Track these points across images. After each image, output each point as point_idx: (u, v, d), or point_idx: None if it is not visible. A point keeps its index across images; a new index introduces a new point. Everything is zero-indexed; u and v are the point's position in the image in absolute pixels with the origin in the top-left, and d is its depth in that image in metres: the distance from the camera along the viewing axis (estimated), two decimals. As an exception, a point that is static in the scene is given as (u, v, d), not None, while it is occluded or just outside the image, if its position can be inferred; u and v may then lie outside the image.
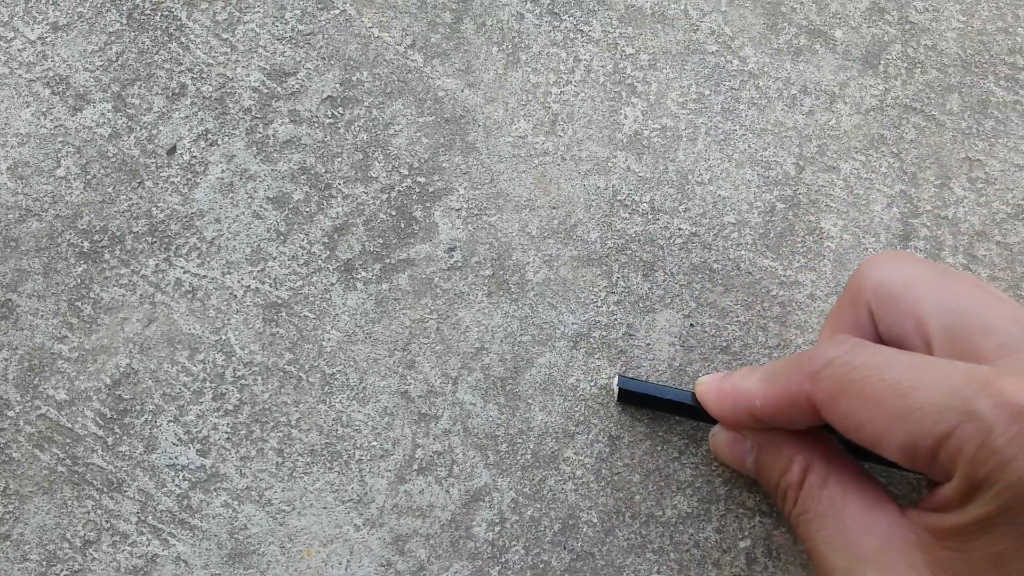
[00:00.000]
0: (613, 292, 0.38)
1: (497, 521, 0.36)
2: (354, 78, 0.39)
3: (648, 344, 0.37)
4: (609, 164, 0.39)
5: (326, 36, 0.40)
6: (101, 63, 0.39)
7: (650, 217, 0.38)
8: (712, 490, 0.36)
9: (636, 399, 0.36)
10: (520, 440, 0.37)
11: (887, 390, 0.24)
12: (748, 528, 0.36)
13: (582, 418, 0.37)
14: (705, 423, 0.36)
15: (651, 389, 0.35)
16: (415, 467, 0.36)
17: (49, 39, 0.39)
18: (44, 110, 0.38)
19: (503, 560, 0.36)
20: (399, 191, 0.38)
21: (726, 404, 0.31)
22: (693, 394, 0.34)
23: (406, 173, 0.39)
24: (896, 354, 0.26)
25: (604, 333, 0.37)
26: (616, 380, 0.36)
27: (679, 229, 0.38)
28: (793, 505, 0.30)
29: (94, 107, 0.38)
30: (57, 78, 0.39)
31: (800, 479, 0.29)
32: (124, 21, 0.39)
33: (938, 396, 0.23)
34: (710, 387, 0.33)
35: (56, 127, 0.38)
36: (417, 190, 0.38)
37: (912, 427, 0.24)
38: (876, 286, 0.28)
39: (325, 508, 0.36)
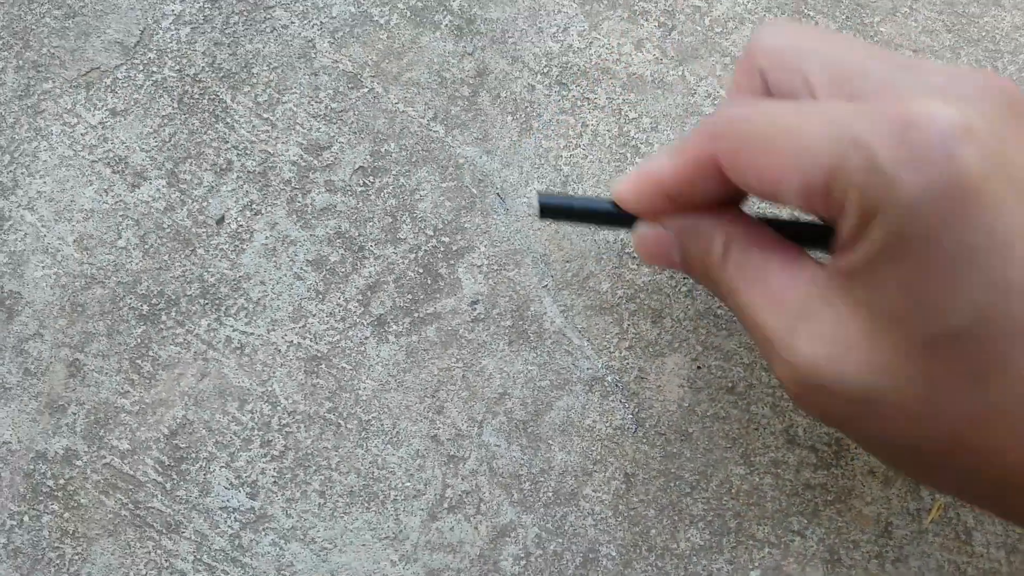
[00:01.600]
0: (624, 338, 0.41)
1: (522, 555, 0.38)
2: (383, 149, 0.43)
3: (659, 386, 0.40)
4: (617, 220, 0.42)
5: (356, 112, 0.43)
6: (156, 143, 0.43)
7: (656, 268, 0.41)
8: (723, 523, 0.39)
9: (557, 213, 0.35)
10: (542, 479, 0.39)
11: (779, 133, 0.25)
12: (758, 559, 0.38)
13: (599, 457, 0.39)
14: (626, 227, 0.35)
15: (570, 201, 0.35)
16: (445, 506, 0.39)
17: (109, 123, 0.43)
18: (106, 187, 0.42)
19: (529, 591, 0.38)
20: (425, 251, 0.42)
21: (640, 190, 0.31)
22: (612, 201, 0.34)
23: (431, 234, 0.42)
24: (787, 103, 0.27)
25: (617, 377, 0.40)
26: (535, 197, 0.35)
27: (684, 278, 0.41)
28: (719, 283, 0.30)
29: (150, 183, 0.42)
30: (116, 158, 0.43)
31: (723, 254, 0.29)
32: (175, 105, 0.43)
33: (824, 129, 0.23)
34: (625, 183, 0.32)
35: (117, 202, 0.42)
36: (442, 249, 0.42)
37: (804, 165, 0.24)
38: (766, 50, 0.28)
39: (364, 545, 0.38)
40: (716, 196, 0.30)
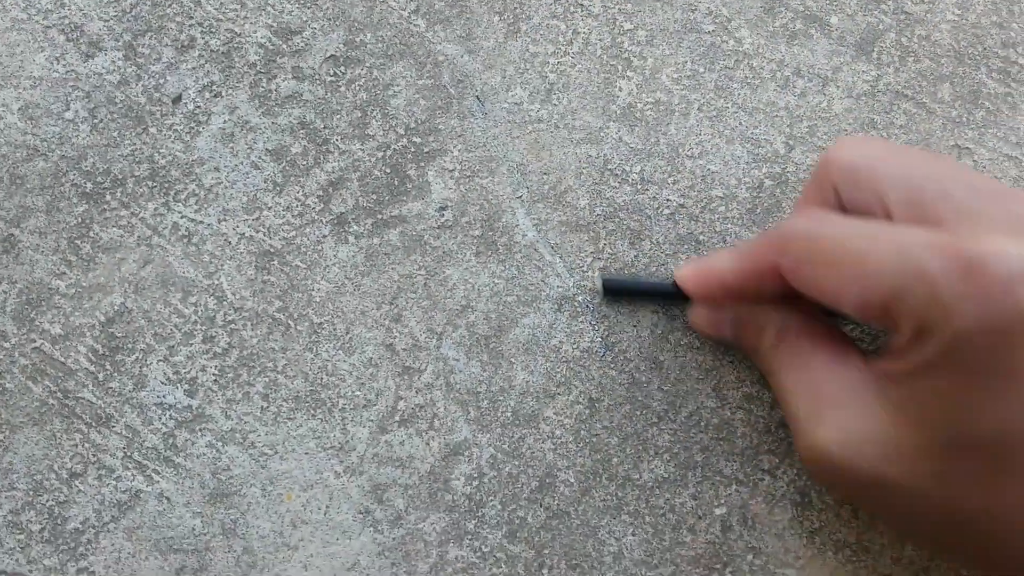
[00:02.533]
0: (599, 258, 0.38)
1: (475, 476, 0.36)
2: (358, 39, 0.40)
3: (631, 310, 0.38)
4: (601, 134, 0.39)
5: (333, -2, 0.40)
6: (115, 13, 0.40)
7: (639, 187, 0.39)
8: (689, 456, 0.37)
9: (620, 292, 0.37)
10: (501, 398, 0.37)
11: (846, 256, 0.26)
12: (724, 496, 0.36)
13: (563, 379, 0.37)
14: (685, 304, 0.37)
15: (634, 282, 0.37)
16: (397, 418, 0.37)
17: (64, -12, 0.40)
18: (58, 55, 0.39)
19: (480, 514, 0.36)
20: (395, 150, 0.39)
21: (704, 285, 0.33)
22: (673, 281, 0.35)
23: (402, 133, 0.39)
24: (856, 223, 0.28)
25: (588, 298, 0.38)
26: (599, 277, 0.37)
27: (667, 200, 0.39)
28: (766, 364, 0.32)
29: (105, 55, 0.39)
30: (72, 25, 0.39)
31: (775, 342, 0.31)
32: (138, -25, 0.40)
33: (891, 257, 0.25)
34: (688, 270, 0.34)
35: (68, 72, 0.39)
36: (412, 150, 0.39)
37: (866, 287, 0.25)
38: (840, 166, 0.29)
39: (307, 454, 0.36)
40: (775, 294, 0.31)
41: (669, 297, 0.37)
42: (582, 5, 0.41)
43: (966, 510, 0.25)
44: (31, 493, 0.35)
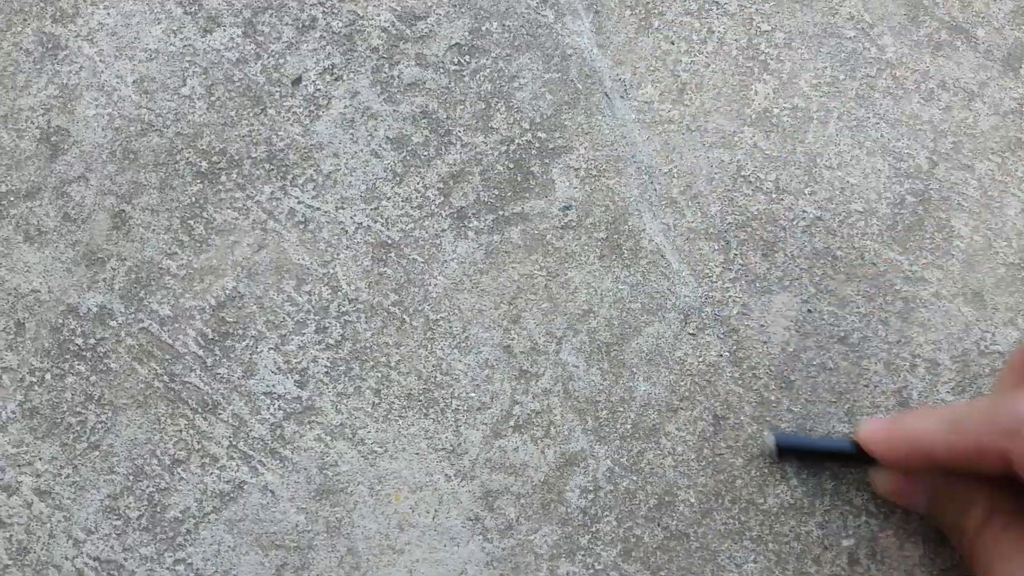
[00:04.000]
0: (729, 268, 0.36)
1: (591, 488, 0.35)
2: (483, 28, 0.39)
3: (762, 326, 0.36)
4: (735, 139, 0.38)
5: (460, -16, 0.39)
6: (235, -11, 0.39)
7: (774, 196, 0.37)
8: (819, 483, 0.35)
9: (794, 452, 0.34)
10: (621, 409, 0.35)
11: None
12: (853, 527, 0.34)
13: (687, 393, 0.35)
14: (867, 466, 0.33)
15: (810, 441, 0.34)
16: (512, 423, 0.35)
17: (187, -39, 0.39)
18: (175, 28, 0.38)
19: (594, 529, 0.34)
20: (519, 144, 0.37)
21: (899, 451, 0.30)
22: (854, 442, 0.32)
23: (527, 127, 0.38)
24: None
25: (717, 309, 0.36)
26: (770, 436, 0.34)
27: (803, 211, 0.37)
28: (972, 546, 0.29)
29: (224, 31, 0.38)
30: None
31: (982, 522, 0.28)
32: (262, -50, 0.39)
33: None
34: (878, 433, 0.31)
35: (185, 46, 0.38)
36: (537, 145, 0.37)
37: None
38: None
39: (418, 454, 0.35)
40: (990, 474, 0.28)
41: (850, 459, 0.33)
42: (718, 3, 0.39)
43: None
44: (131, 478, 0.34)
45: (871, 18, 0.39)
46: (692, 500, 0.35)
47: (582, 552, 0.34)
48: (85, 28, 0.38)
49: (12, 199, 0.37)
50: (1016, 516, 0.28)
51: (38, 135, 0.37)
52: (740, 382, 0.36)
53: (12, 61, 0.38)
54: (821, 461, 0.34)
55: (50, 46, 0.38)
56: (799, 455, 0.34)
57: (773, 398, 0.35)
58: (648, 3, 0.39)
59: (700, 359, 0.36)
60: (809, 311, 0.36)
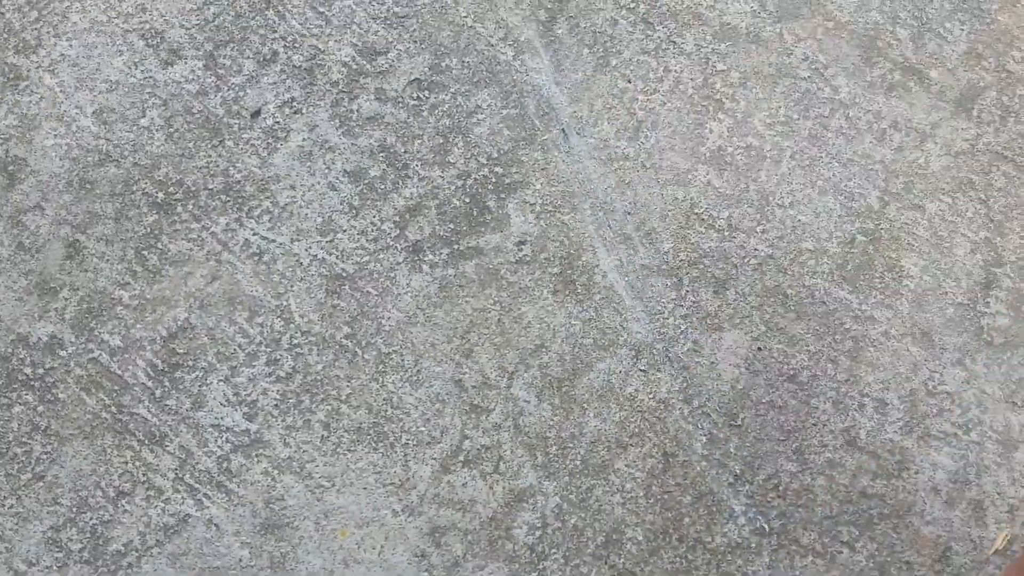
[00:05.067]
0: (681, 305, 0.37)
1: (539, 525, 0.34)
2: (443, 64, 0.39)
3: (713, 363, 0.36)
4: (689, 176, 0.38)
5: (420, 20, 0.39)
6: (197, 22, 0.39)
7: (726, 234, 0.37)
8: (767, 523, 0.35)
9: None
10: (571, 444, 0.35)
11: None
12: (800, 566, 0.34)
13: (637, 430, 0.35)
14: None
15: None
16: (461, 458, 0.35)
17: (150, -6, 0.39)
18: (137, 60, 0.38)
19: (541, 567, 0.34)
20: (475, 179, 0.38)
21: None
22: None
23: (484, 162, 0.38)
24: None
25: (668, 346, 0.36)
26: None
27: (755, 250, 0.37)
28: None
29: (185, 63, 0.38)
30: (153, 31, 0.39)
31: None
32: (225, -16, 0.39)
33: None
34: None
35: (146, 78, 0.38)
36: (493, 180, 0.38)
37: None
38: None
39: (365, 489, 0.34)
40: None
41: None
42: (675, 42, 0.40)
43: None
44: (75, 509, 0.34)
45: (825, 59, 0.40)
46: (640, 538, 0.34)
47: (529, 589, 0.34)
48: (47, 59, 0.38)
49: (-33, 227, 0.37)
50: None
51: (-5, 164, 0.37)
52: (690, 419, 0.36)
53: (-27, 90, 0.38)
54: None
55: (11, 76, 0.38)
56: None
57: (722, 436, 0.35)
58: (606, 42, 0.40)
59: (651, 395, 0.36)
60: (759, 349, 0.36)
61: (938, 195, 0.38)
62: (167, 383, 0.35)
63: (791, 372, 0.36)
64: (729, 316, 0.37)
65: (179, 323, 0.35)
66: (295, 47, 0.39)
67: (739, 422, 0.36)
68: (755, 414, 0.36)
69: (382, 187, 0.37)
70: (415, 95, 0.38)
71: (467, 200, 0.37)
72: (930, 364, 0.36)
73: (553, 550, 0.34)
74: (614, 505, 0.35)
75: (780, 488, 0.35)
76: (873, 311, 0.37)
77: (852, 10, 0.40)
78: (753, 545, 0.34)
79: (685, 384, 0.36)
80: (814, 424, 0.36)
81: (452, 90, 0.39)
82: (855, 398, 0.36)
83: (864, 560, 0.34)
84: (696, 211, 0.38)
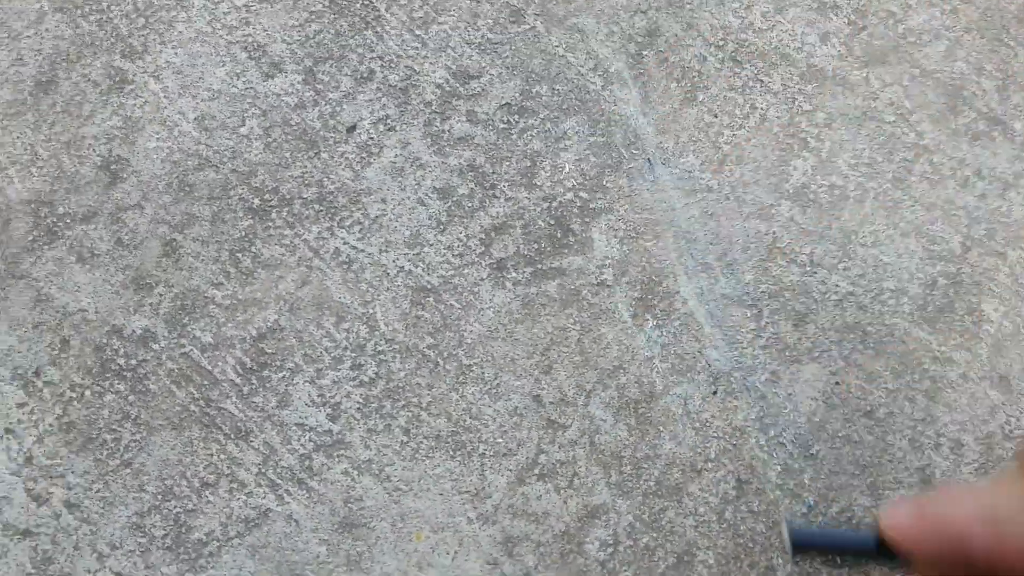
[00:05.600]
0: (760, 336, 0.43)
1: (611, 542, 0.40)
2: (534, 90, 0.47)
3: (790, 394, 0.42)
4: (772, 211, 0.45)
5: (513, 47, 0.47)
6: (299, 38, 0.47)
7: (808, 269, 0.44)
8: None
9: (810, 546, 0.38)
10: (645, 465, 0.41)
11: None
12: (870, 600, 0.40)
13: (712, 455, 0.42)
14: (892, 566, 0.37)
15: (826, 535, 0.37)
16: (536, 471, 0.41)
17: (254, 8, 0.47)
18: (239, 71, 0.46)
19: (611, 583, 0.40)
20: (561, 202, 0.45)
21: (927, 544, 0.28)
22: (878, 535, 0.35)
23: (570, 187, 0.45)
24: None
25: (745, 375, 0.43)
26: (785, 528, 0.38)
27: (836, 286, 0.44)
28: None
29: (285, 76, 0.46)
30: (255, 44, 0.47)
31: None
32: (327, 3, 0.48)
33: None
34: (903, 521, 0.29)
35: (247, 89, 0.46)
36: (578, 204, 0.45)
37: None
38: None
39: (441, 495, 0.41)
40: None
41: (871, 555, 0.34)
42: (762, 81, 0.47)
43: None
44: (160, 497, 0.41)
45: (911, 105, 0.47)
46: (711, 561, 0.40)
47: (598, 606, 0.40)
48: (152, 65, 0.46)
49: (69, 221, 0.44)
50: None
51: (99, 162, 0.45)
52: (765, 448, 0.42)
53: (80, 91, 0.46)
54: (840, 554, 0.38)
55: (117, 79, 0.46)
56: (816, 547, 0.38)
57: (797, 466, 0.41)
58: (694, 77, 0.47)
59: (727, 422, 0.42)
60: (837, 383, 0.43)
61: (1020, 243, 0.45)
62: (255, 381, 0.42)
63: (868, 408, 0.42)
64: (808, 349, 0.43)
65: (269, 324, 0.42)
66: (391, 67, 0.47)
67: (814, 453, 0.42)
68: (830, 447, 0.42)
69: (469, 205, 0.44)
70: (505, 119, 0.46)
71: (552, 222, 0.44)
72: (1008, 408, 0.42)
73: (624, 568, 0.40)
74: (686, 528, 0.41)
75: (853, 521, 0.41)
76: (952, 353, 0.43)
77: (939, 59, 0.48)
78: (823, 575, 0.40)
79: (762, 413, 0.42)
80: (889, 460, 0.42)
81: (541, 115, 0.46)
82: (931, 437, 0.42)
83: (936, 600, 0.40)
84: (778, 245, 0.44)
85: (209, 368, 0.43)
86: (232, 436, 0.42)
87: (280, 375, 0.43)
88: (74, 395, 0.42)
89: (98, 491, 0.41)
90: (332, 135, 0.46)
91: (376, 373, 0.43)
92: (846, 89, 0.48)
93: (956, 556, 0.27)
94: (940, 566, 0.28)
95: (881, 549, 0.31)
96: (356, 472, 0.42)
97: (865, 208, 0.46)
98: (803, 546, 0.35)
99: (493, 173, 0.46)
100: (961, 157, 0.47)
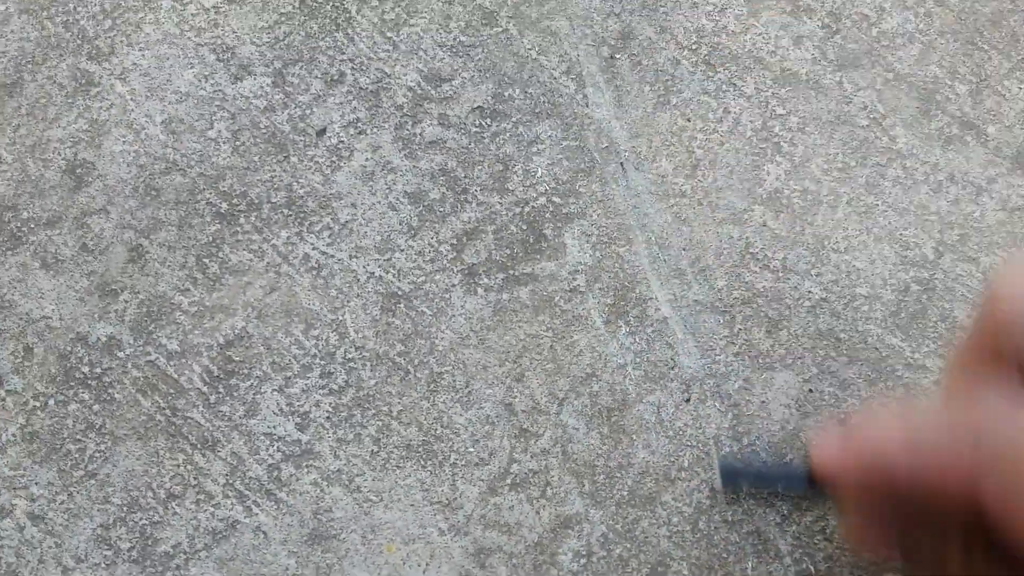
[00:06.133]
0: (733, 343, 0.42)
1: (584, 553, 0.39)
2: (506, 93, 0.45)
3: (763, 402, 0.41)
4: (745, 216, 0.43)
5: (486, 50, 0.45)
6: (268, 40, 0.45)
7: (780, 275, 0.43)
8: (813, 565, 0.39)
9: (741, 478, 0.38)
10: (619, 474, 0.40)
11: None
12: (843, 608, 0.39)
13: (686, 464, 0.40)
14: (823, 499, 0.37)
15: (757, 468, 0.39)
16: (508, 481, 0.40)
17: (223, 9, 0.45)
18: (207, 74, 0.44)
19: (583, 594, 0.38)
20: (533, 207, 0.43)
21: (856, 472, 0.28)
22: (808, 473, 0.34)
23: (543, 191, 0.43)
24: None
25: (719, 382, 0.41)
26: (717, 459, 0.38)
27: (809, 292, 0.42)
28: None
29: (255, 79, 0.44)
30: (224, 46, 0.45)
31: (965, 556, 0.27)
32: (296, 4, 0.46)
33: None
34: (830, 449, 0.30)
35: (215, 91, 0.44)
36: (551, 209, 0.43)
37: None
38: (1020, 309, 0.25)
39: (412, 506, 0.39)
40: (955, 507, 0.27)
41: (803, 488, 0.34)
42: (735, 85, 0.46)
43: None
44: (125, 509, 0.39)
45: (884, 109, 0.46)
46: (685, 572, 0.39)
47: (571, 617, 0.38)
48: (119, 67, 0.44)
49: (32, 226, 0.42)
50: (994, 546, 0.26)
51: (64, 166, 0.43)
52: (738, 457, 0.40)
53: (45, 94, 0.44)
54: (771, 488, 0.38)
55: (83, 82, 0.44)
56: (747, 480, 0.38)
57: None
58: (667, 80, 0.45)
59: (700, 431, 0.41)
60: (810, 391, 0.41)
61: (992, 249, 0.44)
62: (222, 389, 0.40)
63: (842, 416, 0.41)
64: (781, 356, 0.41)
65: (236, 331, 0.40)
66: (362, 69, 0.45)
67: (788, 462, 0.40)
68: (805, 456, 0.40)
69: (441, 210, 0.42)
70: (477, 122, 0.44)
71: (524, 227, 0.43)
72: (980, 414, 0.41)
73: (596, 579, 0.38)
74: (660, 537, 0.39)
75: (827, 531, 0.40)
76: (925, 360, 0.42)
77: (912, 62, 0.46)
78: (797, 585, 0.39)
79: (735, 421, 0.41)
80: (862, 468, 0.40)
81: (514, 119, 0.44)
82: None
83: (909, 607, 0.39)
84: (751, 251, 0.43)
85: (175, 376, 0.41)
86: (199, 446, 0.40)
87: (248, 383, 0.41)
88: (38, 404, 0.40)
89: (62, 503, 0.39)
90: (302, 138, 0.44)
91: (346, 381, 0.41)
92: (819, 93, 0.46)
93: (881, 485, 0.27)
94: (867, 500, 0.28)
95: (811, 483, 0.32)
96: (325, 483, 0.40)
97: (838, 213, 0.44)
98: (732, 479, 0.36)
99: (465, 177, 0.44)
100: (934, 162, 0.45)
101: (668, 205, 0.44)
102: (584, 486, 0.40)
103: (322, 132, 0.44)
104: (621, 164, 0.44)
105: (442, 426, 0.40)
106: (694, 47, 0.46)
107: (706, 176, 0.44)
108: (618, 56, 0.46)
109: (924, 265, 0.44)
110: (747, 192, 0.44)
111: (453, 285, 0.42)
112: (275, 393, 0.40)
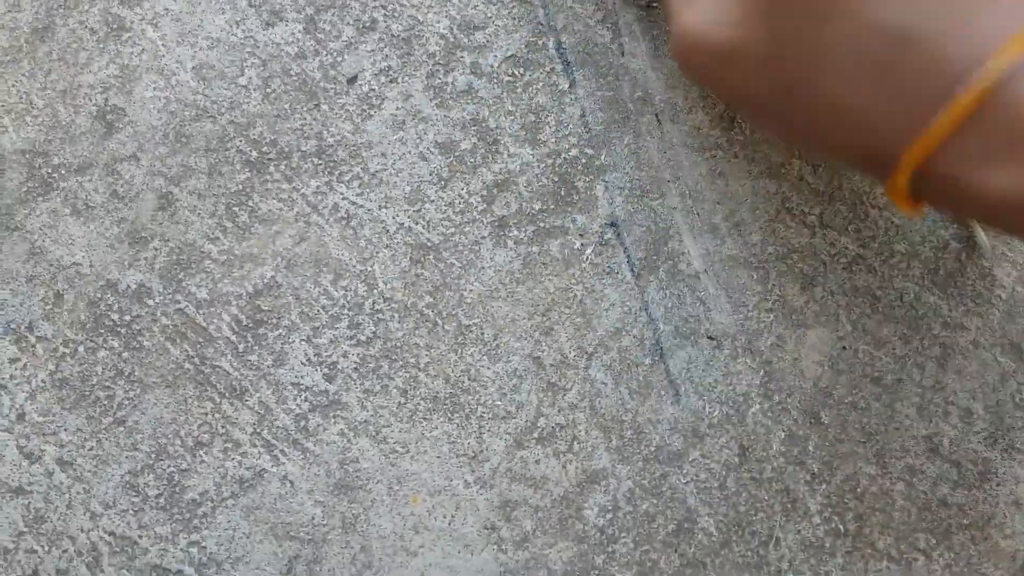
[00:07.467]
0: (767, 299, 0.38)
1: (610, 508, 0.36)
2: (540, 42, 0.41)
3: (796, 359, 0.37)
4: (783, 170, 0.39)
5: (519, -2, 0.41)
6: (299, -14, 0.41)
7: (817, 231, 0.39)
8: (841, 523, 0.36)
9: None
10: (647, 430, 0.36)
11: None
12: (874, 571, 0.35)
13: (715, 421, 0.37)
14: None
15: None
16: (535, 435, 0.36)
17: (254, -44, 0.41)
18: (238, 19, 0.40)
19: (610, 549, 0.35)
20: (565, 159, 0.39)
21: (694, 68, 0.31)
22: None
23: (575, 142, 0.39)
24: None
25: (751, 339, 0.37)
26: None
27: (845, 248, 0.38)
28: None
29: (286, 25, 0.40)
30: (255, -7, 0.41)
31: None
32: (328, -49, 0.41)
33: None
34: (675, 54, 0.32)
35: (246, 38, 0.40)
36: (583, 161, 0.39)
37: None
38: None
39: (439, 458, 0.36)
40: None
41: None
42: (774, 36, 0.41)
43: (794, 64, 0.27)
44: (153, 456, 0.36)
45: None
46: (712, 529, 0.36)
47: (596, 572, 0.35)
48: (151, 12, 0.40)
49: (63, 172, 0.39)
50: None
51: (94, 112, 0.39)
52: (769, 414, 0.37)
53: (76, 38, 0.41)
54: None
55: (115, 27, 0.41)
56: None
57: (802, 433, 0.36)
58: (704, 31, 0.41)
59: (730, 387, 0.37)
60: (844, 348, 0.37)
61: (1037, 207, 0.39)
62: (250, 338, 0.37)
63: (876, 374, 0.37)
64: (815, 313, 0.38)
65: (265, 281, 0.37)
66: (395, 16, 0.41)
67: (819, 420, 0.37)
68: (836, 414, 0.37)
69: (472, 160, 0.39)
70: (510, 71, 0.40)
71: (556, 179, 0.39)
72: (1019, 376, 0.37)
73: (623, 534, 0.35)
74: (687, 494, 0.36)
75: (858, 490, 0.36)
76: (963, 319, 0.38)
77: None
78: (827, 545, 0.35)
79: (766, 378, 0.37)
80: (896, 428, 0.37)
81: (547, 68, 0.40)
82: (940, 405, 0.37)
83: (940, 570, 0.35)
84: (787, 205, 0.39)
85: (204, 325, 0.38)
86: (227, 395, 0.37)
87: (276, 333, 0.38)
88: (67, 351, 0.38)
89: (91, 449, 0.36)
90: (332, 86, 0.40)
91: (374, 332, 0.38)
92: (861, 45, 0.41)
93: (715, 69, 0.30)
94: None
95: None
96: (352, 433, 0.37)
97: (878, 169, 0.40)
98: None
99: (496, 128, 0.40)
100: (978, 117, 0.41)
101: (704, 158, 0.40)
102: (611, 441, 0.37)
103: (353, 80, 0.40)
104: (656, 115, 0.40)
105: (469, 379, 0.37)
106: (732, -4, 0.42)
107: (743, 129, 0.40)
108: (655, 4, 0.41)
109: (963, 222, 0.39)
110: (785, 146, 0.40)
111: (483, 237, 0.39)
112: (303, 343, 0.37)
